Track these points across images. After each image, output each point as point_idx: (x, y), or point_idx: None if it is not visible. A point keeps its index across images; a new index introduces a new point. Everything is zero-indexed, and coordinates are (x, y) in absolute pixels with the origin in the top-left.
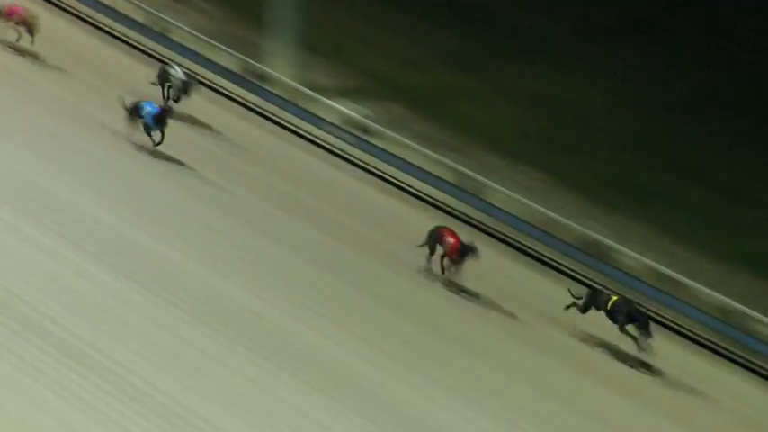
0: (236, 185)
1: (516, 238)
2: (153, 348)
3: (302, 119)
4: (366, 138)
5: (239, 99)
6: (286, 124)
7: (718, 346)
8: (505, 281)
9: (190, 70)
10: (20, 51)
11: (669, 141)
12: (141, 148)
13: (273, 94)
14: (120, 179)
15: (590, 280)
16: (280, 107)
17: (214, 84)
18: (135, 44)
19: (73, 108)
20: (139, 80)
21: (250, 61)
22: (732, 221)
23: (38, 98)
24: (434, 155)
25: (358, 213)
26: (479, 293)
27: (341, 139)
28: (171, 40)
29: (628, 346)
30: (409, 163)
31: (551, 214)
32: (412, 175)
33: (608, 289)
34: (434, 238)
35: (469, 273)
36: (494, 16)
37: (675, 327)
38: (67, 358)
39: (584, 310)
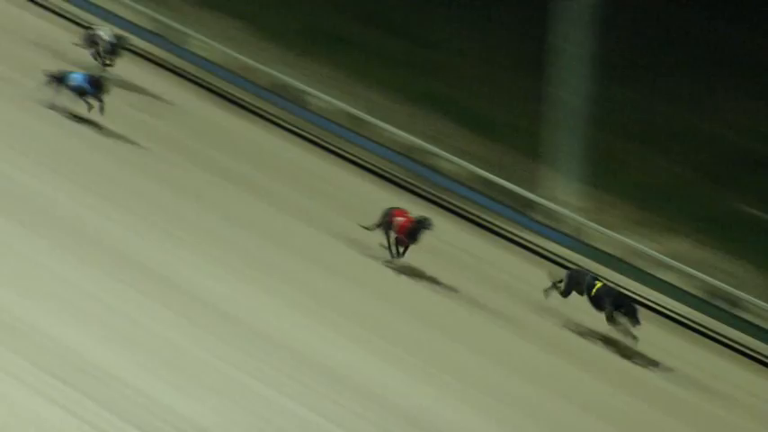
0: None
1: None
2: None
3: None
4: None
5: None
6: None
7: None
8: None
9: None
10: None
11: None
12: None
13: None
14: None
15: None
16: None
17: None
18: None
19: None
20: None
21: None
22: (419, 65)
23: None
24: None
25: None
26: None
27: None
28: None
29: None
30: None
31: (248, 60)
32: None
33: (586, 269)
34: (386, 219)
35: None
36: None
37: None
38: None
39: (566, 293)
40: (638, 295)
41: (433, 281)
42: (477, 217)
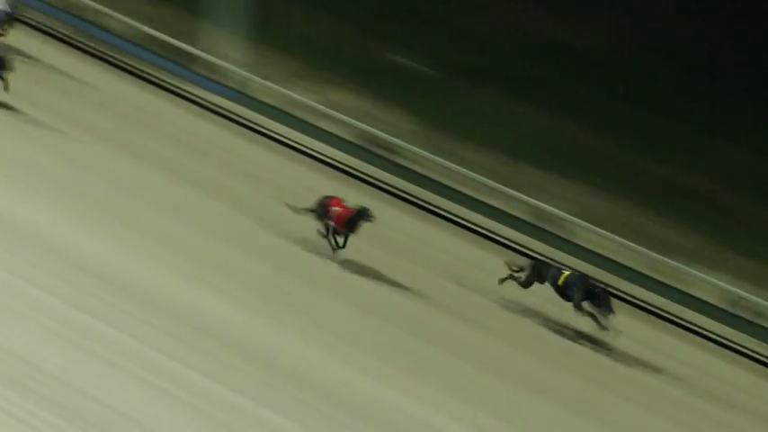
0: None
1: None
2: None
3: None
4: None
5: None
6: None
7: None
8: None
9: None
10: None
11: None
12: None
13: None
14: None
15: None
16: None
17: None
18: None
19: None
20: None
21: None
22: None
23: None
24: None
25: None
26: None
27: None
28: None
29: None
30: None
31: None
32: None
33: (553, 260)
34: (323, 209)
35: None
36: None
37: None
38: None
39: (527, 284)
40: (307, 147)
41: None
42: (141, 71)
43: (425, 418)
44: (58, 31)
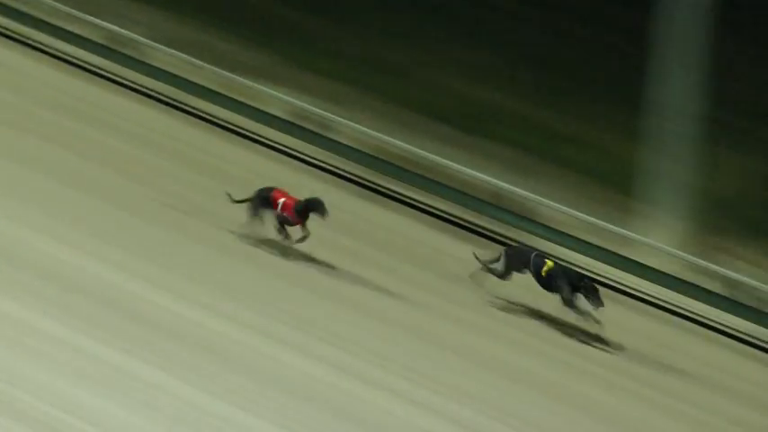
0: None
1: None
2: None
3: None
4: None
5: None
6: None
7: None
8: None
9: None
10: None
11: None
12: None
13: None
14: None
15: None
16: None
17: None
18: None
19: None
20: None
21: None
22: None
23: None
24: None
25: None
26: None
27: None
28: None
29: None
30: None
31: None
32: None
33: (526, 245)
34: (262, 202)
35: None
36: None
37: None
38: None
39: (506, 275)
40: None
41: None
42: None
43: None
44: None
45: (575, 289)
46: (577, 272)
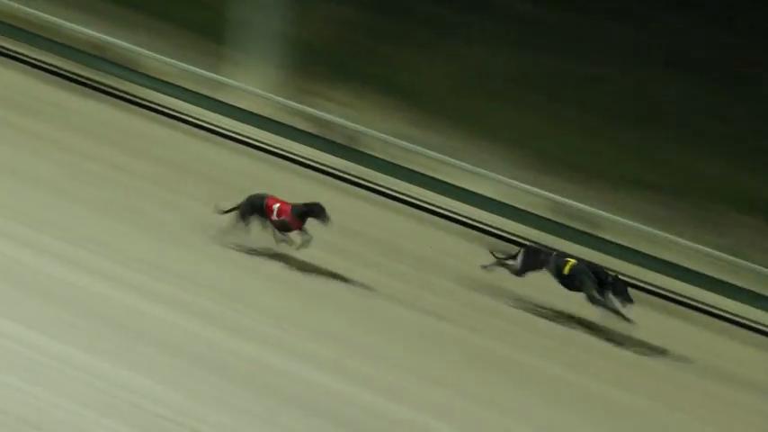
0: None
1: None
2: None
3: None
4: None
5: None
6: None
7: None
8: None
9: None
10: None
11: None
12: None
13: None
14: None
15: None
16: None
17: None
18: None
19: None
20: None
21: None
22: None
23: None
24: None
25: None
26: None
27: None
28: None
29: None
30: None
31: None
32: None
33: (545, 246)
34: (253, 210)
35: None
36: None
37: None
38: None
39: (521, 271)
40: None
41: None
42: None
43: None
44: None
45: (601, 286)
46: (603, 268)
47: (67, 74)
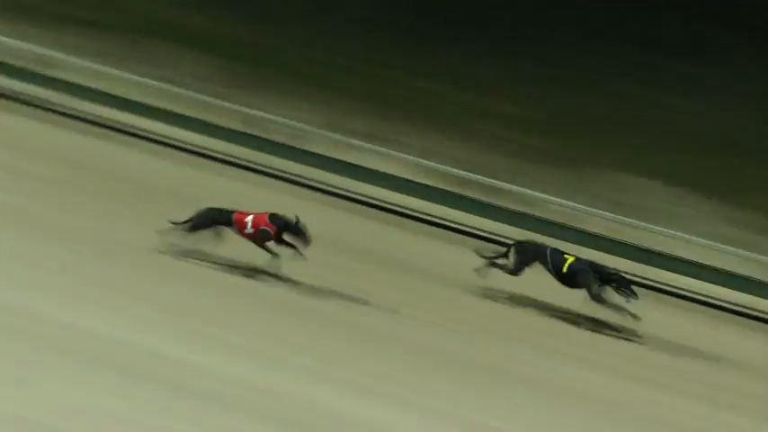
0: None
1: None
2: None
3: None
4: None
5: None
6: None
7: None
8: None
9: None
10: None
11: None
12: None
13: None
14: None
15: None
16: None
17: None
18: None
19: None
20: None
21: None
22: None
23: None
24: None
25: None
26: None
27: None
28: None
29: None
30: None
31: None
32: None
33: (538, 243)
34: (212, 222)
35: None
36: None
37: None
38: None
39: (517, 269)
40: None
41: None
42: None
43: None
44: None
45: (603, 282)
46: (605, 265)
47: None
